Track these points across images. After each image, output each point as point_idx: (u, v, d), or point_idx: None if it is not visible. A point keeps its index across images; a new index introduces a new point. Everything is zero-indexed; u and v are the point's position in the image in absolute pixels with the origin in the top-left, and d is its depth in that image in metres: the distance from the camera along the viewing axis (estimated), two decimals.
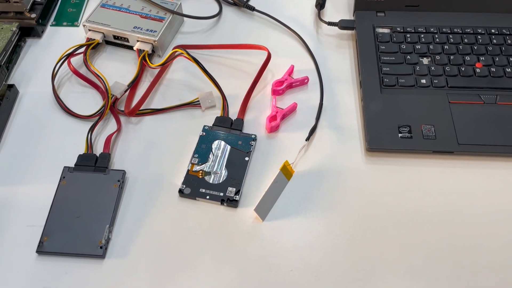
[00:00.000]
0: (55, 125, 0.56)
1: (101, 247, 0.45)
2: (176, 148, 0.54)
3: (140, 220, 0.48)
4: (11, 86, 0.58)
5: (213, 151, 0.52)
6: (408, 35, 0.62)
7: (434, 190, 0.50)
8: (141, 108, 0.56)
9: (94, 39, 0.61)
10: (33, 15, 0.64)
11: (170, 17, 0.63)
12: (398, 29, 0.62)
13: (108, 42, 0.64)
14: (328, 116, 0.56)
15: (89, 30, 0.62)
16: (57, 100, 0.57)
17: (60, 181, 0.50)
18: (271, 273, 0.45)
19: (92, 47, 0.61)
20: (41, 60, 0.63)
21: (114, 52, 0.64)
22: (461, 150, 0.51)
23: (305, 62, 0.62)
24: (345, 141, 0.54)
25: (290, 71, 0.59)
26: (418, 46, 0.60)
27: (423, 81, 0.57)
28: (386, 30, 0.63)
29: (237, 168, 0.51)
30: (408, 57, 0.59)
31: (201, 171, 0.51)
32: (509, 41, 0.60)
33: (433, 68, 0.58)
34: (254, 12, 0.68)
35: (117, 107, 0.57)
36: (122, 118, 0.56)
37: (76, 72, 0.59)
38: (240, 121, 0.55)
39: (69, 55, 0.60)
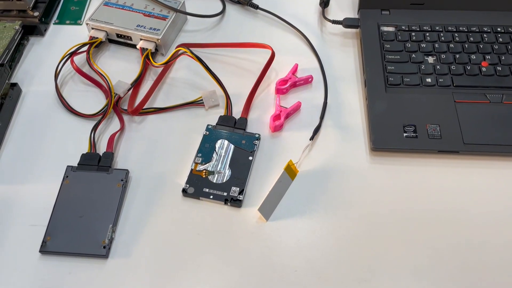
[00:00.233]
0: (58, 124, 0.56)
1: (104, 247, 0.45)
2: (179, 147, 0.53)
3: (143, 220, 0.48)
4: (14, 84, 0.58)
5: (216, 151, 0.52)
6: (413, 34, 0.61)
7: (439, 190, 0.50)
8: (144, 107, 0.56)
9: (97, 38, 0.61)
10: (36, 14, 0.64)
11: (173, 15, 0.62)
12: (403, 27, 0.62)
13: (111, 41, 0.64)
14: (333, 115, 0.56)
15: (92, 28, 0.62)
16: (60, 99, 0.57)
17: (63, 180, 0.49)
18: (275, 273, 0.45)
19: (95, 45, 0.61)
20: (44, 58, 0.63)
21: (117, 50, 0.63)
22: (466, 149, 0.51)
23: (309, 61, 0.62)
24: (349, 140, 0.54)
25: (294, 70, 0.59)
26: (423, 45, 0.60)
27: (429, 80, 0.57)
28: (391, 29, 0.62)
29: (241, 167, 0.51)
30: (413, 55, 0.59)
31: (204, 171, 0.50)
32: None
33: (438, 67, 0.58)
34: (258, 10, 0.67)
35: (120, 106, 0.57)
36: (125, 117, 0.56)
37: (79, 71, 0.59)
38: (243, 120, 0.55)
39: (72, 54, 0.59)
